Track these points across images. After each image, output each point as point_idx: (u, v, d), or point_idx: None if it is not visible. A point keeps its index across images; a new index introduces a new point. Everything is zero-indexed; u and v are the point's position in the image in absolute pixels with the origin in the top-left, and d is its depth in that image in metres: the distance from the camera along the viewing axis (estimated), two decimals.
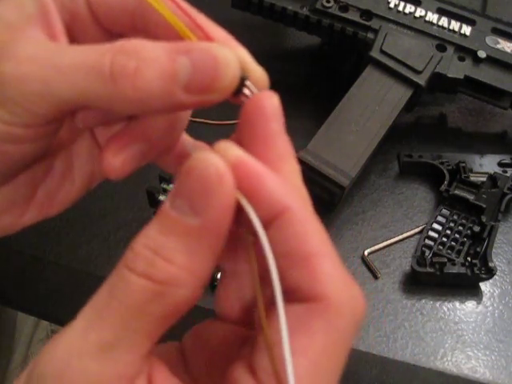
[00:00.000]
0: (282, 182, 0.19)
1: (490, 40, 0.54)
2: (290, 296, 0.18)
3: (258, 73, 0.24)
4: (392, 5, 0.55)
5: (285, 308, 0.18)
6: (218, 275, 0.43)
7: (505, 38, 0.54)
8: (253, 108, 0.21)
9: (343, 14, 0.54)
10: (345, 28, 0.54)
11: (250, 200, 0.19)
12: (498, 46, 0.54)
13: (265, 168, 0.19)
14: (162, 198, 0.43)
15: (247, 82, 0.22)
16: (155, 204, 0.43)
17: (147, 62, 0.20)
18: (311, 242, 0.19)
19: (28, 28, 0.23)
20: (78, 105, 0.22)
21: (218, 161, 0.18)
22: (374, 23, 0.54)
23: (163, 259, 0.18)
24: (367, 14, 0.54)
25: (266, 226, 0.19)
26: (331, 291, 0.18)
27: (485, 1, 0.65)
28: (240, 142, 0.21)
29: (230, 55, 0.22)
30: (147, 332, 0.19)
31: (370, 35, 0.53)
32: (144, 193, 0.45)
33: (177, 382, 0.19)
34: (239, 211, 0.19)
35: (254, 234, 0.19)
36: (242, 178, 0.19)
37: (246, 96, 0.22)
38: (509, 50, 0.54)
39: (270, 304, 0.19)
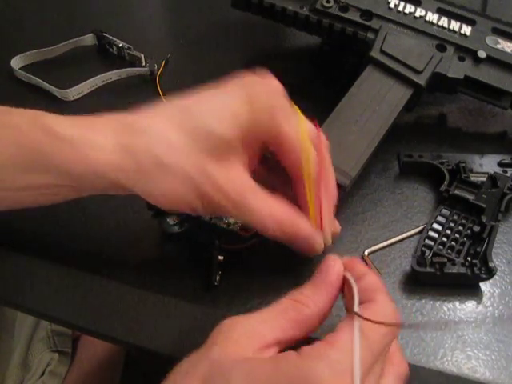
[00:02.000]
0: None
1: (490, 40, 0.54)
2: None
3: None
4: (392, 5, 0.55)
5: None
6: (218, 277, 0.43)
7: (505, 37, 0.54)
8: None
9: (343, 14, 0.54)
10: (345, 28, 0.54)
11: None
12: (498, 46, 0.54)
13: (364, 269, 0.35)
14: None
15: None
16: (153, 206, 0.43)
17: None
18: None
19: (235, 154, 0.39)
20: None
21: (339, 268, 0.35)
22: (374, 23, 0.54)
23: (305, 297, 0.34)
24: (367, 14, 0.54)
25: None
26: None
27: (485, 1, 0.65)
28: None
29: (320, 248, 0.42)
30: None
31: (370, 35, 0.53)
32: None
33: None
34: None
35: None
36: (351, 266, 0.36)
37: None
38: (509, 50, 0.54)
39: None
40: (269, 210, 0.38)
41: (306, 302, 0.32)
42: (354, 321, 0.30)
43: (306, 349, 0.29)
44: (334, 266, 0.34)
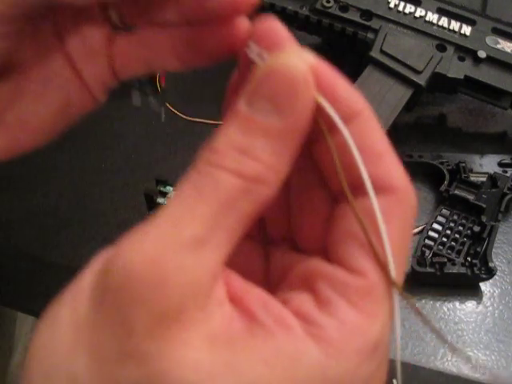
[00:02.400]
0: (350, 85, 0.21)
1: (490, 40, 0.54)
2: (361, 190, 0.20)
3: None
4: (392, 5, 0.55)
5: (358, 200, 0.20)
6: None
7: (505, 37, 0.54)
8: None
9: (343, 14, 0.54)
10: (345, 28, 0.54)
11: (329, 100, 0.20)
12: (498, 46, 0.54)
13: (335, 73, 0.20)
14: (160, 200, 0.43)
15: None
16: (153, 206, 0.43)
17: None
18: (382, 140, 0.20)
19: None
20: (31, 4, 0.22)
21: (301, 63, 0.19)
22: (374, 23, 0.54)
23: (251, 158, 0.18)
24: (367, 14, 0.54)
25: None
26: (399, 182, 0.21)
27: (485, 1, 0.65)
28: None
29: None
30: (233, 231, 0.18)
31: (370, 35, 0.53)
32: (143, 193, 0.45)
33: (251, 285, 0.19)
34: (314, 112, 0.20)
35: (334, 131, 0.20)
36: (319, 81, 0.20)
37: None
38: (509, 50, 0.54)
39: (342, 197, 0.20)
40: None
41: (264, 176, 0.19)
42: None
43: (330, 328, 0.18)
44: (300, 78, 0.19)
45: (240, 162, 0.18)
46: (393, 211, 0.20)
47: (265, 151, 0.18)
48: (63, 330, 0.18)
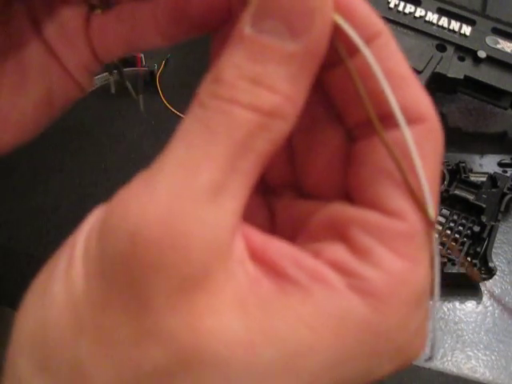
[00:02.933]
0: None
1: (490, 40, 0.54)
2: (388, 121, 0.17)
3: None
4: (392, 5, 0.55)
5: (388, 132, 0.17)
6: None
7: (505, 38, 0.54)
8: None
9: None
10: None
11: (347, 21, 0.17)
12: (498, 46, 0.54)
13: None
14: None
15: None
16: None
17: None
18: (405, 64, 0.18)
19: None
20: None
21: None
22: None
23: (266, 88, 0.16)
24: None
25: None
26: (431, 113, 0.18)
27: (485, 1, 0.65)
28: None
29: None
30: (250, 175, 0.16)
31: None
32: None
33: (272, 238, 0.17)
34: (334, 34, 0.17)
35: (354, 55, 0.17)
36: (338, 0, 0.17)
37: None
38: (509, 50, 0.54)
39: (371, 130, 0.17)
40: None
41: (283, 108, 0.16)
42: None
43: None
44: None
45: (254, 94, 0.16)
46: (425, 143, 0.18)
47: (281, 80, 0.16)
48: (58, 311, 0.15)
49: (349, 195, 0.18)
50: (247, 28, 0.16)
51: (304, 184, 0.20)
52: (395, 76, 0.18)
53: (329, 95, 0.19)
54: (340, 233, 0.17)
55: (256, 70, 0.16)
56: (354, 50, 0.17)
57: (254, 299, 0.15)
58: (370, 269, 0.16)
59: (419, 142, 0.17)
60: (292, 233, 0.19)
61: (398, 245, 0.16)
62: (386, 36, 0.18)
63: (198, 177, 0.15)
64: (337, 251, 0.16)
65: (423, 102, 0.18)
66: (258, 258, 0.16)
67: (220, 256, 0.15)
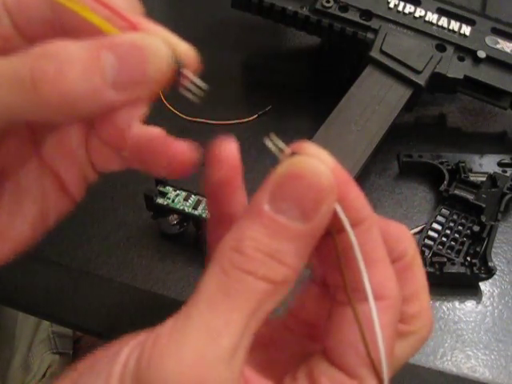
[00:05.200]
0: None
1: (489, 40, 0.54)
2: (358, 294, 0.21)
3: (191, 56, 0.23)
4: (392, 5, 0.55)
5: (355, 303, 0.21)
6: None
7: (504, 38, 0.54)
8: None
9: (343, 14, 0.54)
10: (345, 28, 0.54)
11: (341, 204, 0.20)
12: (498, 46, 0.54)
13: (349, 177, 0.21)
14: (159, 200, 0.43)
15: (183, 70, 0.21)
16: (152, 207, 0.43)
17: (68, 63, 0.19)
18: (382, 249, 0.21)
19: None
20: (7, 121, 0.20)
21: (326, 169, 0.20)
22: (374, 23, 0.54)
23: (279, 262, 0.19)
24: (367, 14, 0.54)
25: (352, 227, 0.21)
26: (392, 292, 0.21)
27: (485, 1, 0.65)
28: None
29: (158, 43, 0.21)
30: (255, 329, 0.19)
31: (370, 35, 0.53)
32: (143, 192, 0.45)
33: (262, 379, 0.20)
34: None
35: (338, 233, 0.21)
36: (337, 184, 0.20)
37: (185, 85, 0.23)
38: (508, 50, 0.54)
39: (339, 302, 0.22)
40: None
41: (289, 278, 0.20)
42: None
43: None
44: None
45: (269, 268, 0.19)
46: (385, 316, 0.21)
47: (291, 255, 0.19)
48: None
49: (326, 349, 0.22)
50: (266, 206, 0.19)
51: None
52: (370, 259, 0.21)
53: (318, 256, 0.23)
54: (315, 378, 0.21)
55: (272, 246, 0.19)
56: (341, 229, 0.20)
57: None
58: None
59: (380, 314, 0.21)
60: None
61: None
62: (370, 222, 0.21)
63: (219, 342, 0.18)
64: None
65: (388, 284, 0.21)
66: None
67: None
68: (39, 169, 0.25)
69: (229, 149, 0.23)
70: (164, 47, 0.21)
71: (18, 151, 0.24)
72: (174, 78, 0.21)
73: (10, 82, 0.19)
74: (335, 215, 0.20)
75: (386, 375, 0.20)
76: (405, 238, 0.23)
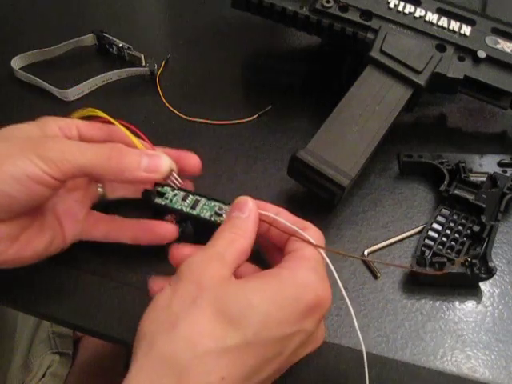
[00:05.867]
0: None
1: (489, 40, 0.54)
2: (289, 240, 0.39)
3: (174, 166, 0.43)
4: (392, 5, 0.55)
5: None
6: None
7: (505, 38, 0.54)
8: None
9: (343, 14, 0.54)
10: (345, 28, 0.54)
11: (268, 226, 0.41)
12: (498, 46, 0.54)
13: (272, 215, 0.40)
14: (157, 200, 0.43)
15: (173, 173, 0.43)
16: (151, 206, 0.43)
17: (125, 155, 0.40)
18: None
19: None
20: (87, 172, 0.39)
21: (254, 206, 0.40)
22: (374, 23, 0.54)
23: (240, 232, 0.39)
24: (367, 14, 0.54)
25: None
26: (310, 226, 0.39)
27: (485, 1, 0.65)
28: None
29: (165, 158, 0.42)
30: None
31: (370, 35, 0.53)
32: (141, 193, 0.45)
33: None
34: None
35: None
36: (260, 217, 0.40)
37: (171, 179, 0.43)
38: (509, 50, 0.54)
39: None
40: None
41: (242, 234, 0.37)
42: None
43: (284, 265, 0.36)
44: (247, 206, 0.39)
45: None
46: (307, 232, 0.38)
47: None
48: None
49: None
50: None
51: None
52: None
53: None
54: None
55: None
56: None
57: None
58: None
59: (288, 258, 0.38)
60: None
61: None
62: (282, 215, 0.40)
63: (225, 258, 0.38)
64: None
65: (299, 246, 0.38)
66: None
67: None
68: (53, 219, 0.44)
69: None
70: (168, 160, 0.42)
71: (44, 207, 0.43)
72: (169, 174, 0.42)
73: (96, 154, 0.39)
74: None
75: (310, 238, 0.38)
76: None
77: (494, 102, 0.55)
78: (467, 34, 0.54)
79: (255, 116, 0.58)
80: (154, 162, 0.40)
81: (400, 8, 0.54)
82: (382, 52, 0.52)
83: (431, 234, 0.47)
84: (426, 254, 0.46)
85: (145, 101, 0.61)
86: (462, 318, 0.44)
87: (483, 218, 0.47)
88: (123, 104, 0.61)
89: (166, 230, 0.44)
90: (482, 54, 0.53)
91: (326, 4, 0.54)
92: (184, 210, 0.42)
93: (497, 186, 0.50)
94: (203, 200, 0.43)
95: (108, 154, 0.39)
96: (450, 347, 0.42)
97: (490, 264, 0.44)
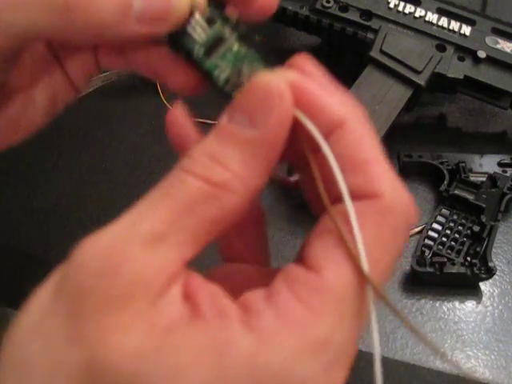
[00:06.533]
0: (338, 96, 0.21)
1: (489, 40, 0.54)
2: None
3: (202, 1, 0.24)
4: (392, 5, 0.55)
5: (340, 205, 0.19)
6: None
7: (504, 38, 0.54)
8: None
9: (343, 14, 0.54)
10: (345, 28, 0.54)
11: (308, 115, 0.20)
12: (498, 46, 0.54)
13: (320, 87, 0.21)
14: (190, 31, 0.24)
15: (196, 15, 0.23)
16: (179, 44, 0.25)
17: None
18: (367, 149, 0.21)
19: None
20: (32, 36, 0.23)
21: (279, 80, 0.20)
22: (374, 23, 0.54)
23: (219, 165, 0.19)
24: (367, 14, 0.54)
25: (325, 138, 0.20)
26: (384, 190, 0.19)
27: (485, 1, 0.65)
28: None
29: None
30: (195, 234, 0.19)
31: (370, 35, 0.53)
32: (143, 192, 0.45)
33: (209, 283, 0.19)
34: (297, 129, 0.20)
35: (313, 149, 0.20)
36: (300, 96, 0.20)
37: (192, 25, 0.23)
38: (508, 50, 0.54)
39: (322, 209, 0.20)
40: None
41: (231, 184, 0.19)
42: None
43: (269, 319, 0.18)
44: (277, 99, 0.19)
45: (208, 168, 0.19)
46: (369, 215, 0.19)
47: (234, 160, 0.19)
48: (30, 321, 0.19)
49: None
50: (224, 119, 0.20)
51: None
52: (354, 161, 0.20)
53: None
54: (271, 281, 0.19)
55: (217, 150, 0.19)
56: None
57: (164, 326, 0.18)
58: (267, 308, 0.18)
59: (365, 213, 0.19)
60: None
61: (303, 294, 0.18)
62: (352, 122, 0.21)
63: (139, 225, 0.19)
64: (255, 293, 0.19)
65: (379, 182, 0.20)
66: (191, 297, 0.19)
67: (146, 289, 0.18)
68: (50, 63, 0.27)
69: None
70: None
71: (32, 50, 0.27)
72: (187, 18, 0.23)
73: (43, 4, 0.22)
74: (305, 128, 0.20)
75: (365, 266, 0.18)
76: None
77: (494, 101, 0.55)
78: (467, 34, 0.54)
79: None
80: None
81: (400, 8, 0.54)
82: (382, 52, 0.52)
83: (431, 234, 0.47)
84: (426, 254, 0.46)
85: (145, 101, 0.61)
86: (462, 317, 0.44)
87: (483, 218, 0.47)
88: (123, 104, 0.60)
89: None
90: (482, 54, 0.53)
91: (325, 4, 0.54)
92: (195, 52, 0.24)
93: (497, 186, 0.50)
94: (236, 46, 0.24)
95: (64, 0, 0.21)
96: (450, 347, 0.42)
97: (490, 264, 0.44)
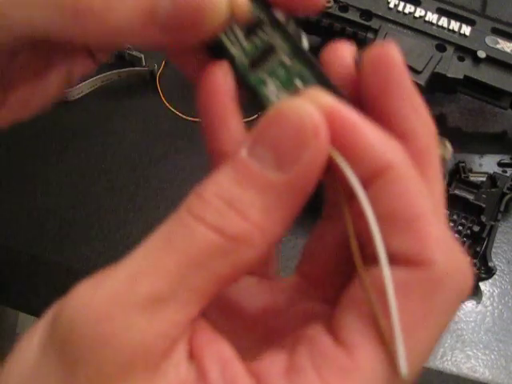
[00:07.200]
0: (383, 133, 0.17)
1: (489, 40, 0.54)
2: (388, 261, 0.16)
3: (243, 11, 0.19)
4: (392, 5, 0.55)
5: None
6: None
7: (504, 38, 0.54)
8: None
9: (343, 14, 0.54)
10: (345, 28, 0.54)
11: (345, 155, 0.16)
12: (498, 46, 0.54)
13: (362, 117, 0.16)
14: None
15: (233, 26, 0.19)
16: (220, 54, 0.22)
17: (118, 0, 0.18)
18: (419, 203, 0.16)
19: None
20: (37, 38, 0.20)
21: (313, 109, 0.16)
22: (374, 23, 0.54)
23: (236, 213, 0.16)
24: (367, 14, 0.54)
25: (366, 185, 0.16)
26: (438, 256, 0.16)
27: (485, 1, 0.65)
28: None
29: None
30: (204, 291, 0.16)
31: (370, 35, 0.53)
32: (143, 193, 0.45)
33: (219, 342, 0.17)
34: (331, 168, 0.16)
35: (350, 195, 0.16)
36: (336, 130, 0.16)
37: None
38: (508, 50, 0.54)
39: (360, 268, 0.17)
40: None
41: (249, 236, 0.16)
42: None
43: None
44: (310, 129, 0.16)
45: (223, 217, 0.16)
46: (414, 288, 0.16)
47: (254, 207, 0.16)
48: (14, 378, 0.17)
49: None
50: (243, 150, 0.16)
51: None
52: (398, 218, 0.16)
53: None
54: (295, 346, 0.17)
55: (234, 193, 0.16)
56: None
57: None
58: None
59: (407, 285, 0.16)
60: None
61: (329, 375, 0.15)
62: (397, 170, 0.16)
63: (138, 286, 0.16)
64: (275, 362, 0.16)
65: (431, 245, 0.16)
66: (198, 359, 0.16)
67: (147, 358, 0.15)
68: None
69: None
70: (222, 1, 0.18)
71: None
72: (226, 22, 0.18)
73: (51, 7, 0.19)
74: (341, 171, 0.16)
75: (401, 351, 0.15)
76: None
77: (494, 101, 0.54)
78: (467, 34, 0.54)
79: (255, 116, 0.58)
80: (188, 5, 0.18)
81: (400, 8, 0.55)
82: None
83: None
84: None
85: (145, 101, 0.61)
86: (462, 317, 0.44)
87: (483, 218, 0.47)
88: (123, 104, 0.60)
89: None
90: (481, 54, 0.53)
91: (325, 4, 0.54)
92: (237, 61, 0.21)
93: (497, 185, 0.50)
94: (287, 58, 0.21)
95: (72, 4, 0.18)
96: (450, 347, 0.42)
97: (490, 264, 0.44)
